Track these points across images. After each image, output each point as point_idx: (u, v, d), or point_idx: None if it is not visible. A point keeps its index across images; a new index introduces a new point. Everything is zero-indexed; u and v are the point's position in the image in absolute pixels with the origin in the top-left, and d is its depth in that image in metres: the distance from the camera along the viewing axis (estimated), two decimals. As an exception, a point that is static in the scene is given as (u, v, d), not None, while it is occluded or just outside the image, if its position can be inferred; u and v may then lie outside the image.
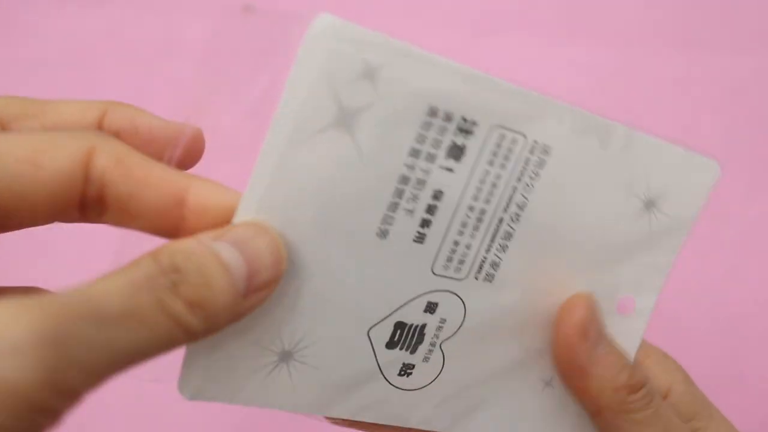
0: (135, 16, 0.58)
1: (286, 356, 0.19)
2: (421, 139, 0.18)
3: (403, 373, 0.21)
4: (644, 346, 0.25)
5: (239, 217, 0.18)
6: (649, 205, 0.22)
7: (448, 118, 0.18)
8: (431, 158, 0.18)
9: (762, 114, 0.47)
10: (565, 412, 0.24)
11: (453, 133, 0.18)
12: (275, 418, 0.40)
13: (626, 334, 0.23)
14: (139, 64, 0.55)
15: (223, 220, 0.18)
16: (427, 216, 0.19)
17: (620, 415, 0.22)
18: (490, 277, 0.21)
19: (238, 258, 0.17)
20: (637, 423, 0.22)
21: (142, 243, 0.19)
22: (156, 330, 0.15)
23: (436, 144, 0.18)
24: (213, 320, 0.16)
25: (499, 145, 0.19)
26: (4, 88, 0.61)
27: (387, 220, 0.19)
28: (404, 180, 0.18)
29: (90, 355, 0.14)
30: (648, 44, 0.50)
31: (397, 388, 0.21)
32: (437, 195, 0.19)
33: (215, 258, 0.16)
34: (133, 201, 0.17)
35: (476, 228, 0.20)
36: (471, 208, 0.19)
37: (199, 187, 0.18)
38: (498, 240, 0.20)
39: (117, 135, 0.20)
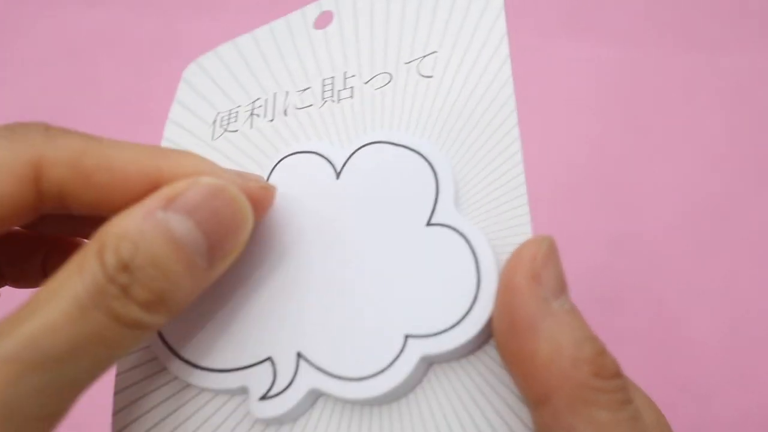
0: (135, 16, 0.58)
1: None
2: None
3: None
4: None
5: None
6: None
7: None
8: None
9: (766, 113, 0.47)
10: None
11: None
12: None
13: None
14: (139, 64, 0.55)
15: None
16: None
17: (576, 405, 0.14)
18: None
19: (195, 231, 0.15)
20: (598, 427, 0.14)
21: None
22: (114, 343, 0.14)
23: None
24: (175, 308, 0.15)
25: None
26: (5, 87, 0.61)
27: None
28: None
29: (46, 400, 0.13)
30: (652, 43, 0.50)
31: None
32: None
33: (168, 239, 0.14)
34: (100, 205, 0.16)
35: None
36: None
37: (173, 165, 0.16)
38: None
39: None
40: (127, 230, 0.14)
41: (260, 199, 0.18)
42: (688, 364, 0.41)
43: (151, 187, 0.16)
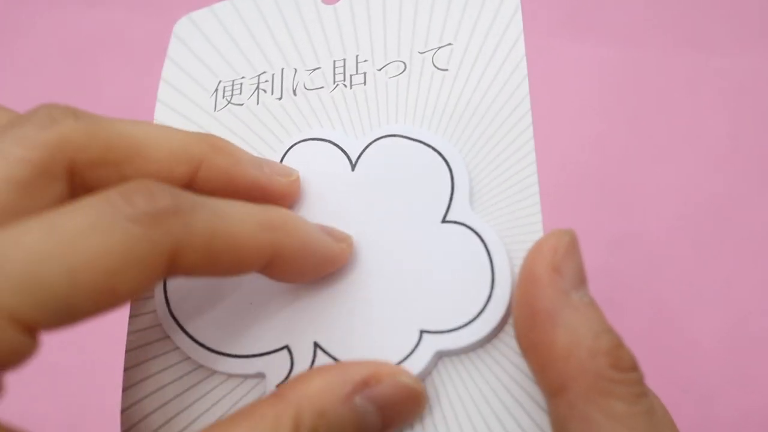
0: (135, 16, 0.58)
1: None
2: None
3: None
4: None
5: None
6: None
7: None
8: None
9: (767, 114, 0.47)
10: None
11: None
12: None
13: None
14: (139, 64, 0.55)
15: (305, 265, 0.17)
16: None
17: (593, 396, 0.14)
18: None
19: (378, 424, 0.16)
20: (613, 417, 0.14)
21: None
22: None
23: None
24: None
25: None
26: (5, 87, 0.61)
27: None
28: None
29: None
30: (653, 43, 0.50)
31: None
32: None
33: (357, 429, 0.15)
34: (218, 274, 0.16)
35: None
36: None
37: (284, 237, 0.17)
38: None
39: (212, 192, 0.17)
40: (326, 411, 0.15)
41: (347, 257, 0.19)
42: (688, 364, 0.41)
43: (266, 258, 0.17)
